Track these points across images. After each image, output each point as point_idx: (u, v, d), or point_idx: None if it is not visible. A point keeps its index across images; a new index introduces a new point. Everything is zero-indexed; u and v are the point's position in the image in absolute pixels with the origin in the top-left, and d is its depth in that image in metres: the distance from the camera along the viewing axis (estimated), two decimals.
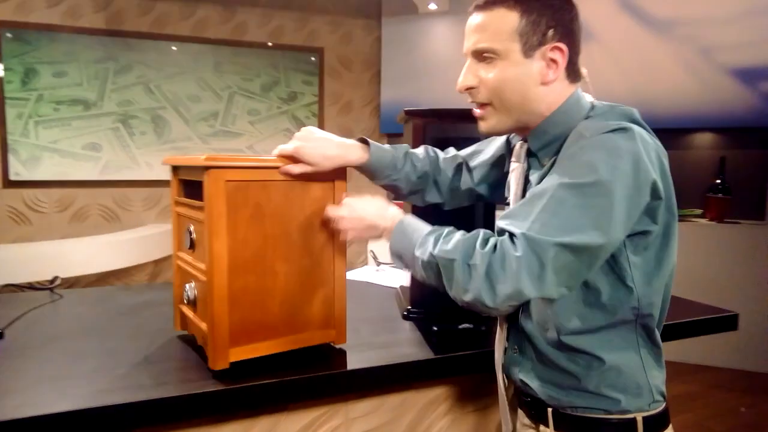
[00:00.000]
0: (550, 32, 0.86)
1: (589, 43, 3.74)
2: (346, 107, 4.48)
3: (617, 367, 0.85)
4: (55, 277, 1.44)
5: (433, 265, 0.84)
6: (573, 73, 0.90)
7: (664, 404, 0.90)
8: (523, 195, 0.94)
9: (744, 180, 3.58)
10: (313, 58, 4.33)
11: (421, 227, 0.92)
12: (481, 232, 0.84)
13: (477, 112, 0.95)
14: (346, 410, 1.11)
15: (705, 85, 3.55)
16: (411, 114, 1.22)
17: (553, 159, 0.88)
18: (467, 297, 0.80)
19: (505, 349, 0.98)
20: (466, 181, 1.14)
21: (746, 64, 3.46)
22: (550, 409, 0.90)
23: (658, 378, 0.89)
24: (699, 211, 3.63)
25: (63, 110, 3.69)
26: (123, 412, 0.84)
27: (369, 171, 1.10)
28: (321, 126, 4.38)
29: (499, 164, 1.11)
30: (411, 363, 1.06)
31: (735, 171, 3.57)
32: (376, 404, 1.13)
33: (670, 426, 0.91)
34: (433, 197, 1.15)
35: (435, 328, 1.20)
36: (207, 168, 0.90)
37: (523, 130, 0.94)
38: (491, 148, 1.14)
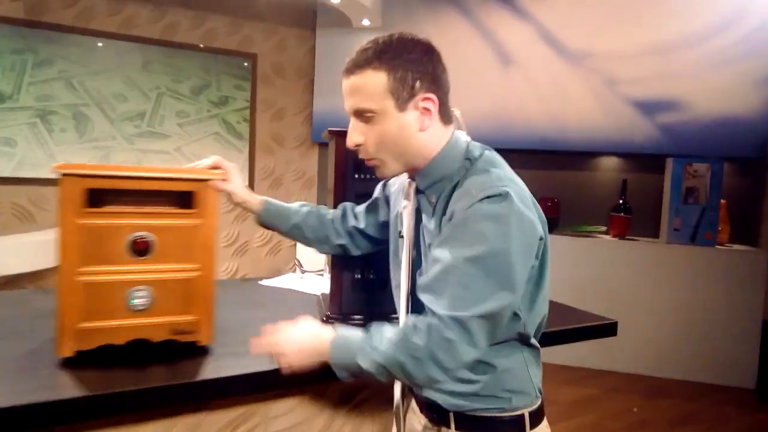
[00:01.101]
0: (417, 84, 0.94)
1: (509, 68, 4.02)
2: (278, 114, 4.51)
3: (508, 371, 0.99)
4: None
5: (383, 369, 0.91)
6: (446, 115, 1.00)
7: (541, 399, 1.05)
8: (416, 229, 1.05)
9: (642, 201, 3.96)
10: (246, 64, 4.34)
11: (354, 336, 0.96)
12: (411, 322, 0.91)
13: (368, 163, 1.03)
14: (265, 410, 1.18)
15: (610, 113, 3.91)
16: (333, 133, 1.32)
17: (439, 196, 0.99)
18: (424, 382, 0.92)
19: None
20: (353, 223, 1.28)
21: (645, 96, 3.85)
22: (452, 413, 1.01)
23: (537, 376, 1.04)
24: (603, 228, 3.97)
25: None
26: (46, 410, 0.87)
27: (263, 221, 1.29)
28: (253, 131, 4.38)
29: (378, 206, 1.25)
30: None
31: (635, 192, 3.94)
32: (293, 404, 1.21)
33: (545, 418, 1.06)
34: (336, 239, 1.29)
35: None
36: (201, 180, 1.10)
37: (414, 171, 1.03)
38: (377, 198, 1.27)
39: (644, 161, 4.02)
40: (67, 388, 0.93)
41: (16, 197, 3.64)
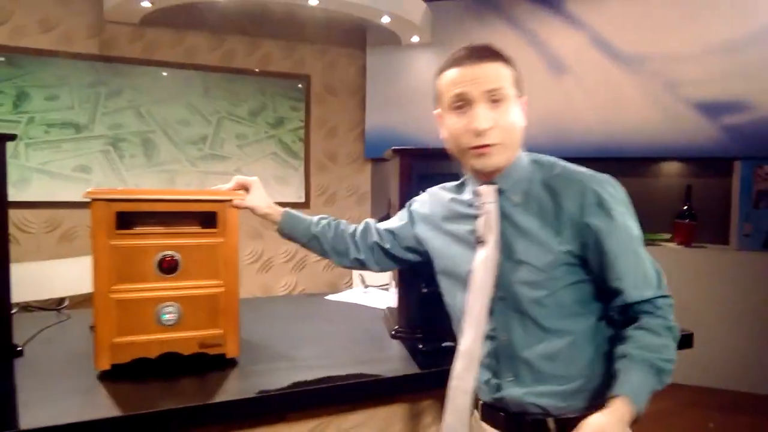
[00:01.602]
0: (521, 86, 1.05)
1: (562, 76, 3.97)
2: (331, 132, 4.62)
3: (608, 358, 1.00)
4: (63, 298, 1.52)
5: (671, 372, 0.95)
6: None
7: None
8: (505, 235, 1.03)
9: (708, 206, 3.80)
10: (300, 85, 4.48)
11: (637, 377, 0.91)
12: (656, 326, 0.96)
13: (483, 150, 1.02)
14: (338, 422, 1.21)
15: (671, 117, 3.78)
16: (398, 152, 1.36)
17: (524, 195, 1.03)
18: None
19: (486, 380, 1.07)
20: (376, 239, 1.29)
21: (708, 98, 3.70)
22: (552, 419, 0.99)
23: None
24: (668, 236, 3.82)
25: (54, 133, 3.75)
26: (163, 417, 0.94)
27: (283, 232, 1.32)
28: (307, 150, 4.50)
29: (403, 228, 1.26)
30: (399, 377, 1.18)
31: (700, 198, 3.78)
32: (366, 416, 1.24)
33: None
34: (355, 253, 1.30)
35: (421, 346, 1.31)
36: (222, 201, 1.13)
37: (491, 174, 1.06)
38: (396, 217, 1.30)
39: (709, 165, 3.86)
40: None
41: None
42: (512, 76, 1.04)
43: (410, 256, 1.28)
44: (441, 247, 1.16)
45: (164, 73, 4.05)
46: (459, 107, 1.04)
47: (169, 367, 1.14)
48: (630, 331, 0.96)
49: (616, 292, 0.99)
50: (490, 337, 1.04)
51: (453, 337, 1.35)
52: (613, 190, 1.00)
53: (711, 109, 3.70)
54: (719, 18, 3.67)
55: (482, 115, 1.01)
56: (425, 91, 4.83)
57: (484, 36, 4.20)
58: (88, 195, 1.07)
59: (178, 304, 1.13)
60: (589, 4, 3.97)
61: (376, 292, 1.98)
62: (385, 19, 3.85)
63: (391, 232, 1.29)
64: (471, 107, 1.02)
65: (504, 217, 1.05)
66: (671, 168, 4.00)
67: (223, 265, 1.18)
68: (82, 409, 0.95)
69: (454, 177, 1.37)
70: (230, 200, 1.19)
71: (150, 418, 0.94)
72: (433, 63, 4.32)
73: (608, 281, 0.99)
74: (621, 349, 0.95)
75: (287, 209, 1.34)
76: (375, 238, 1.30)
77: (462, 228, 1.12)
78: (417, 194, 1.38)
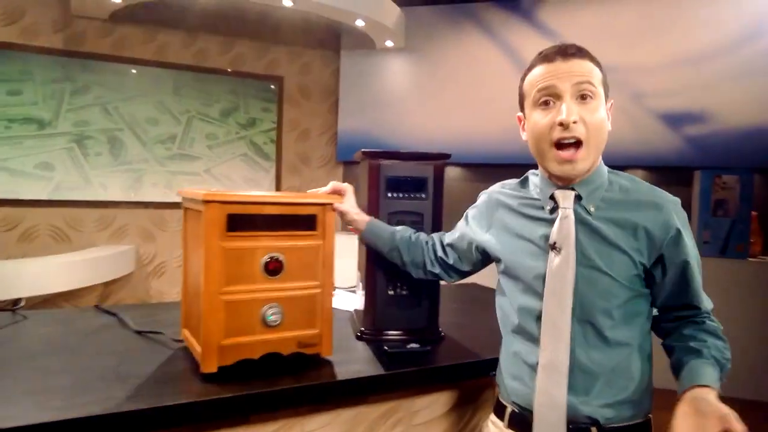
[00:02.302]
0: (608, 89, 1.04)
1: None
2: (303, 134, 4.60)
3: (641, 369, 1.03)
4: (19, 299, 1.48)
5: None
6: None
7: None
8: (581, 242, 1.01)
9: None
10: (272, 86, 4.45)
11: (709, 372, 0.94)
12: (717, 329, 1.02)
13: (569, 153, 0.99)
14: (302, 424, 1.21)
15: (635, 126, 3.89)
16: (367, 154, 1.36)
17: (597, 205, 1.02)
18: None
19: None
20: (441, 255, 1.31)
21: (671, 109, 3.83)
22: (594, 428, 0.98)
23: None
24: None
25: (15, 128, 3.65)
26: (99, 423, 0.92)
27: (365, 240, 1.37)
28: (279, 152, 4.48)
29: (463, 240, 1.26)
30: (364, 378, 1.18)
31: None
32: (330, 418, 1.23)
33: None
34: (431, 267, 1.32)
35: (386, 348, 1.32)
36: (324, 204, 1.20)
37: (570, 180, 1.03)
38: (456, 228, 1.30)
39: (671, 174, 3.98)
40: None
41: (53, 219, 3.78)
42: (601, 77, 1.02)
43: (478, 263, 1.27)
44: (506, 249, 1.12)
45: (133, 71, 3.98)
46: (545, 103, 1.01)
47: (270, 367, 1.17)
48: (692, 331, 1.01)
49: (687, 307, 1.04)
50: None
51: (417, 340, 1.37)
52: (684, 214, 1.03)
53: (674, 120, 3.82)
54: (682, 32, 3.81)
55: (569, 107, 0.98)
56: (399, 95, 4.91)
57: (458, 42, 4.25)
58: (205, 197, 1.07)
59: (281, 305, 1.16)
60: (559, 15, 4.06)
61: (344, 294, 1.98)
62: (360, 23, 3.86)
63: (451, 246, 1.29)
64: (557, 102, 1.00)
65: (581, 223, 1.02)
66: (635, 176, 4.09)
67: (321, 267, 1.20)
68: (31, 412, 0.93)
69: (422, 180, 1.39)
70: (330, 204, 1.21)
71: (107, 420, 0.92)
72: (406, 67, 4.36)
73: (681, 299, 1.03)
74: (690, 345, 0.99)
75: (372, 218, 1.35)
76: (440, 253, 1.31)
77: (532, 231, 1.07)
78: (386, 197, 1.39)
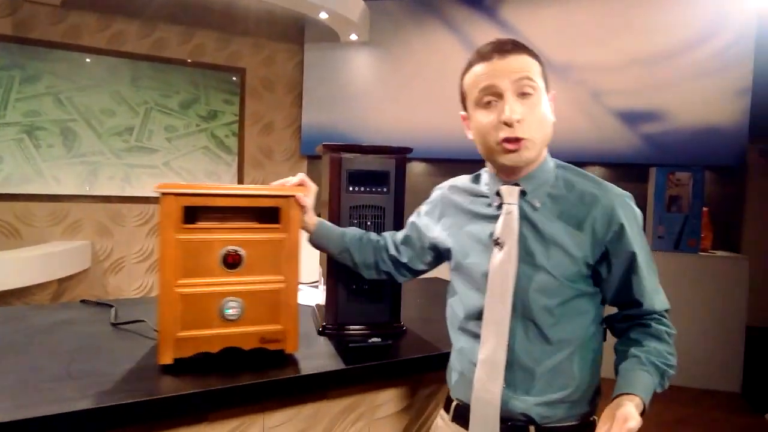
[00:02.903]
0: (548, 80, 1.03)
1: None
2: (267, 128, 4.54)
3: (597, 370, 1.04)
4: None
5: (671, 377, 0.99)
6: None
7: None
8: (523, 237, 1.01)
9: None
10: (234, 78, 4.37)
11: (642, 377, 0.94)
12: (663, 333, 1.00)
13: (512, 146, 0.99)
14: (263, 420, 1.19)
15: (594, 124, 3.99)
16: (328, 147, 1.35)
17: (543, 201, 1.01)
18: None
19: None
20: (394, 253, 1.29)
21: (628, 107, 3.94)
22: (532, 427, 0.98)
23: None
24: None
25: None
26: (46, 424, 0.88)
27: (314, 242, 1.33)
28: (241, 145, 4.40)
29: (413, 239, 1.26)
30: (324, 374, 1.17)
31: None
32: (291, 414, 1.22)
33: None
34: (383, 266, 1.30)
35: (348, 343, 1.31)
36: (288, 197, 1.16)
37: (514, 174, 1.03)
38: (407, 226, 1.29)
39: (628, 171, 4.10)
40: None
41: (1, 213, 3.62)
42: (540, 69, 1.01)
43: (432, 261, 1.26)
44: (457, 245, 1.12)
45: (88, 60, 3.84)
46: (487, 103, 1.00)
47: (231, 362, 1.14)
48: (637, 335, 1.00)
49: (634, 305, 1.02)
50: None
51: (378, 334, 1.37)
52: (635, 210, 1.01)
53: (630, 118, 3.94)
54: (638, 34, 3.92)
55: (513, 106, 0.97)
56: (363, 88, 4.90)
57: (422, 37, 4.26)
58: (157, 188, 1.05)
59: (241, 299, 1.13)
60: (521, 13, 4.12)
61: (306, 289, 1.96)
62: (323, 15, 3.82)
63: (405, 243, 1.27)
64: (499, 101, 0.99)
65: (525, 219, 1.01)
66: (594, 172, 4.19)
67: (285, 261, 1.17)
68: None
69: (383, 174, 1.38)
70: (293, 196, 1.18)
71: (62, 419, 0.89)
72: (370, 61, 4.34)
73: (628, 296, 1.01)
74: (630, 350, 0.98)
75: (320, 219, 1.32)
76: (392, 251, 1.29)
77: (481, 228, 1.07)
78: (347, 191, 1.38)
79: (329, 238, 1.31)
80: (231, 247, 1.12)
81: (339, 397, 1.28)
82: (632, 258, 0.99)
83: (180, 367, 1.09)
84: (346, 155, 1.35)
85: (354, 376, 1.23)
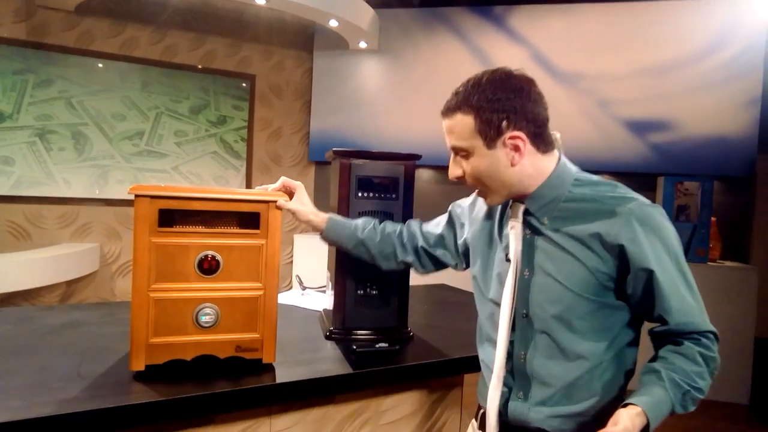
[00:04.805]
0: (504, 124, 0.97)
1: None
2: (275, 134, 4.56)
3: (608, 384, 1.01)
4: None
5: (697, 400, 0.95)
6: (544, 144, 1.01)
7: None
8: (523, 252, 1.03)
9: None
10: (244, 84, 4.40)
11: (659, 395, 0.91)
12: (696, 354, 0.94)
13: (477, 193, 1.09)
14: (270, 423, 1.19)
15: (602, 133, 3.99)
16: (338, 153, 1.36)
17: (551, 217, 1.01)
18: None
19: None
20: (421, 243, 1.29)
21: (636, 117, 3.94)
22: None
23: None
24: None
25: None
26: (56, 423, 0.89)
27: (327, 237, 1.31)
28: (250, 151, 4.43)
29: (449, 229, 1.27)
30: (332, 378, 1.18)
31: None
32: (299, 417, 1.23)
33: None
34: (403, 256, 1.29)
35: (355, 348, 1.32)
36: (267, 202, 1.14)
37: (522, 196, 1.04)
38: (441, 221, 1.29)
39: (636, 180, 4.09)
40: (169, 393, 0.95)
41: (12, 215, 3.65)
42: (476, 125, 0.98)
43: (461, 259, 1.26)
44: (479, 253, 1.14)
45: (100, 65, 3.88)
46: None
47: (205, 370, 1.12)
48: (665, 352, 0.96)
49: (661, 322, 0.97)
50: (507, 353, 1.03)
51: (386, 339, 1.38)
52: (661, 222, 0.96)
53: (638, 128, 3.93)
54: (647, 43, 3.92)
55: (451, 166, 1.06)
56: (372, 96, 4.92)
57: (430, 45, 4.28)
58: (132, 191, 1.04)
59: (217, 306, 1.10)
60: (530, 22, 4.13)
61: (314, 294, 1.97)
62: (333, 23, 3.85)
63: (436, 233, 1.28)
64: None
65: (537, 234, 1.02)
66: None
67: (263, 268, 1.14)
68: None
69: (393, 180, 1.39)
70: (275, 201, 1.15)
71: (60, 420, 0.90)
72: (379, 69, 4.36)
73: (652, 312, 0.97)
74: (652, 365, 0.95)
75: (331, 215, 1.31)
76: (421, 242, 1.28)
77: (499, 240, 1.10)
78: (356, 196, 1.39)
79: (342, 233, 1.29)
80: (207, 252, 1.09)
81: (345, 402, 1.29)
82: (649, 275, 0.94)
83: (156, 376, 1.07)
84: (355, 161, 1.36)
85: (361, 381, 1.23)
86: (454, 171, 1.05)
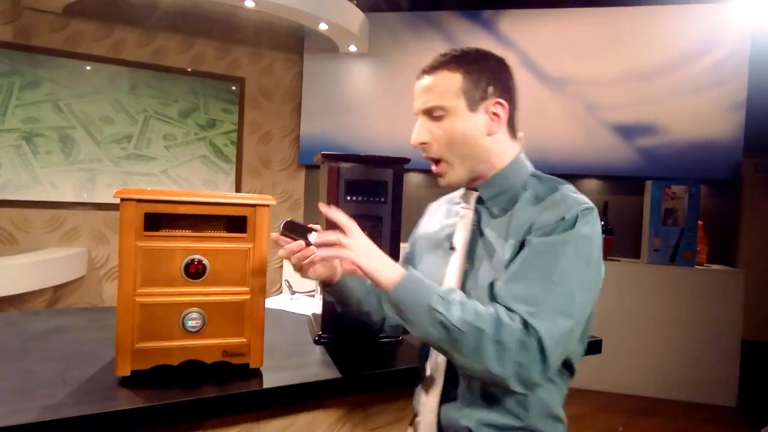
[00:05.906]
0: (490, 89, 0.97)
1: None
2: (265, 137, 4.55)
3: (541, 399, 0.96)
4: None
5: (448, 330, 0.85)
6: (512, 129, 1.02)
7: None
8: (471, 242, 1.00)
9: (623, 222, 4.06)
10: (233, 87, 4.39)
11: (432, 284, 0.91)
12: (502, 311, 0.85)
13: (434, 169, 1.03)
14: (259, 428, 1.19)
15: (590, 137, 4.02)
16: (326, 157, 1.36)
17: (502, 208, 0.98)
18: (476, 371, 0.85)
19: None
20: None
21: (624, 121, 3.97)
22: None
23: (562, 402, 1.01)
24: None
25: None
26: (40, 430, 0.88)
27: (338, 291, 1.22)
28: (240, 154, 4.41)
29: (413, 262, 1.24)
30: (321, 382, 1.17)
31: (616, 214, 4.04)
32: (288, 422, 1.22)
33: None
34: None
35: (343, 352, 1.31)
36: (255, 205, 1.12)
37: (475, 181, 1.02)
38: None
39: (624, 184, 4.13)
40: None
41: None
42: (463, 84, 0.96)
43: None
44: (424, 251, 1.14)
45: (88, 67, 3.85)
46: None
47: (192, 375, 1.11)
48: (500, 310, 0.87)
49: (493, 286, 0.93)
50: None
51: (376, 344, 1.37)
52: (586, 228, 0.90)
53: (626, 132, 3.97)
54: (634, 48, 3.96)
55: (419, 129, 1.02)
56: (362, 99, 4.92)
57: (420, 49, 4.30)
58: (117, 194, 1.04)
59: (203, 310, 1.09)
60: (518, 27, 4.16)
61: (303, 298, 1.97)
62: (323, 26, 3.86)
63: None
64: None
65: (479, 225, 1.02)
66: (590, 185, 4.24)
67: (250, 272, 1.13)
68: None
69: (382, 184, 1.39)
70: (266, 205, 1.14)
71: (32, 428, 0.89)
72: (369, 72, 4.37)
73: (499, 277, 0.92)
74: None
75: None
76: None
77: (443, 233, 1.09)
78: (345, 200, 1.39)
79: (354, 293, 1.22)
80: (194, 256, 1.08)
81: (335, 407, 1.28)
82: (529, 245, 0.89)
83: (139, 379, 1.06)
84: (344, 165, 1.36)
85: (350, 386, 1.23)
86: (420, 136, 1.01)
